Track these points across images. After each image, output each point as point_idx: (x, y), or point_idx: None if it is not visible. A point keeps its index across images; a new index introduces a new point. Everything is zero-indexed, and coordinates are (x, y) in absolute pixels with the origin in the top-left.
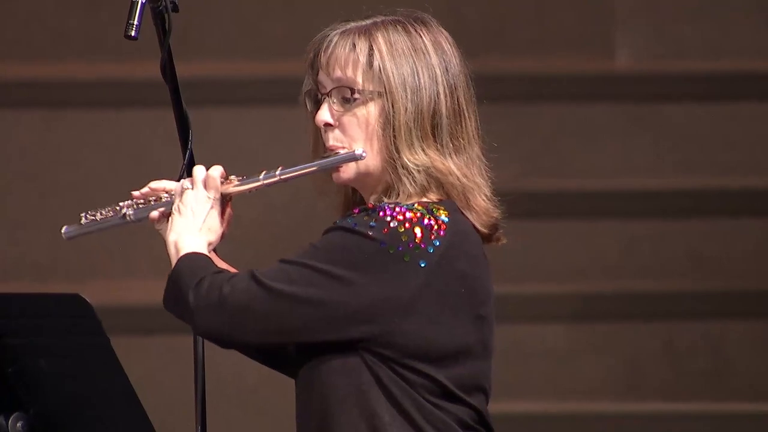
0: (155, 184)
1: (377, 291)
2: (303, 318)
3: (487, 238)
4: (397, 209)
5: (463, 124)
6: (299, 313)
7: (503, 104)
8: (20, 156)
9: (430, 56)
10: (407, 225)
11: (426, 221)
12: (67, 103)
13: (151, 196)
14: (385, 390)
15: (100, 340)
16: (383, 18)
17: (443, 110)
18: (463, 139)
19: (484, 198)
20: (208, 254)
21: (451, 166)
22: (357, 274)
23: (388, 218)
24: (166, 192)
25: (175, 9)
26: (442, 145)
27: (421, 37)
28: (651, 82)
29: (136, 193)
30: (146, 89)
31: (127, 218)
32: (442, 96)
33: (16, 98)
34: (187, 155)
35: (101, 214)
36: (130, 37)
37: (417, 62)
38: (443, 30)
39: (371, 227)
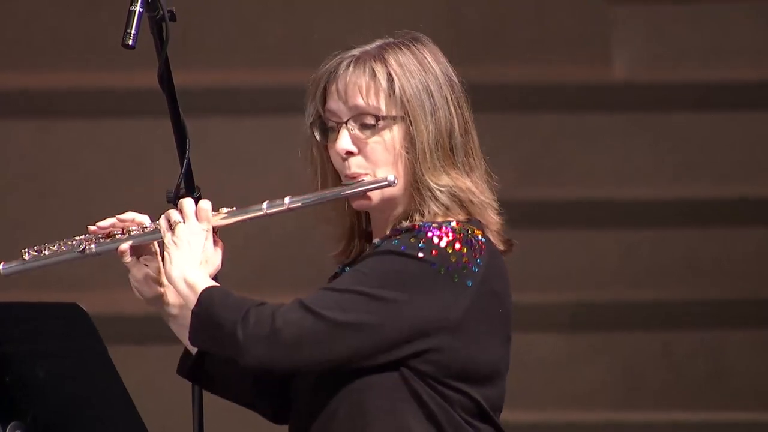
0: (124, 216)
1: (428, 311)
2: (360, 344)
3: (504, 253)
4: (444, 229)
5: (472, 141)
6: (356, 339)
7: (501, 112)
8: (17, 164)
9: (437, 75)
10: (456, 246)
11: (471, 240)
12: (63, 112)
13: (116, 229)
14: (424, 406)
15: (97, 348)
16: (387, 41)
17: (457, 128)
18: (475, 156)
19: (494, 213)
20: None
21: (469, 184)
22: (408, 295)
23: (436, 239)
24: (137, 225)
25: (173, 18)
26: (460, 164)
27: (426, 58)
28: (649, 90)
29: (93, 228)
30: (142, 98)
31: (87, 252)
32: (453, 114)
33: (13, 107)
34: (184, 164)
35: (50, 250)
36: (127, 46)
37: (429, 82)
38: (437, 48)
39: (420, 248)
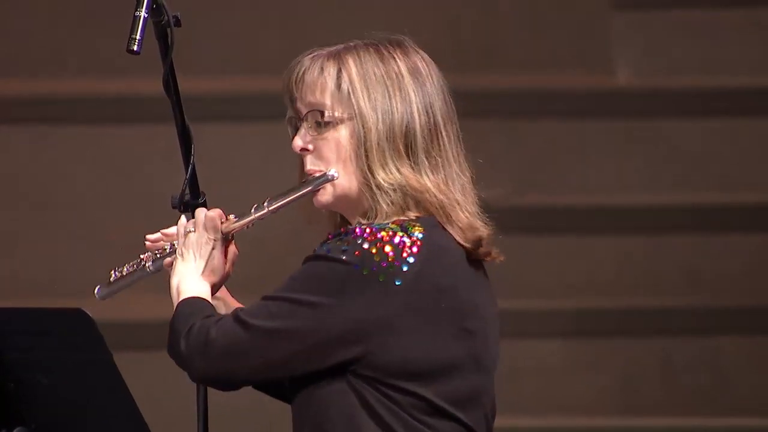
0: (168, 231)
1: (356, 313)
2: (288, 351)
3: (472, 253)
4: (368, 230)
5: (441, 142)
6: (283, 346)
7: (497, 119)
8: (17, 171)
9: (402, 77)
10: (378, 245)
11: (398, 239)
12: (62, 119)
13: (166, 242)
14: (372, 412)
15: (102, 354)
16: (357, 42)
17: (417, 129)
18: (440, 157)
19: (467, 214)
20: (209, 297)
21: (426, 183)
22: (334, 299)
23: (359, 240)
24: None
25: (178, 24)
26: (416, 163)
27: (394, 58)
28: (646, 98)
29: (149, 244)
30: (143, 104)
31: (148, 269)
32: (416, 115)
33: (13, 114)
34: (189, 170)
35: (127, 269)
36: (132, 52)
37: (389, 83)
38: (420, 51)
39: (343, 251)
